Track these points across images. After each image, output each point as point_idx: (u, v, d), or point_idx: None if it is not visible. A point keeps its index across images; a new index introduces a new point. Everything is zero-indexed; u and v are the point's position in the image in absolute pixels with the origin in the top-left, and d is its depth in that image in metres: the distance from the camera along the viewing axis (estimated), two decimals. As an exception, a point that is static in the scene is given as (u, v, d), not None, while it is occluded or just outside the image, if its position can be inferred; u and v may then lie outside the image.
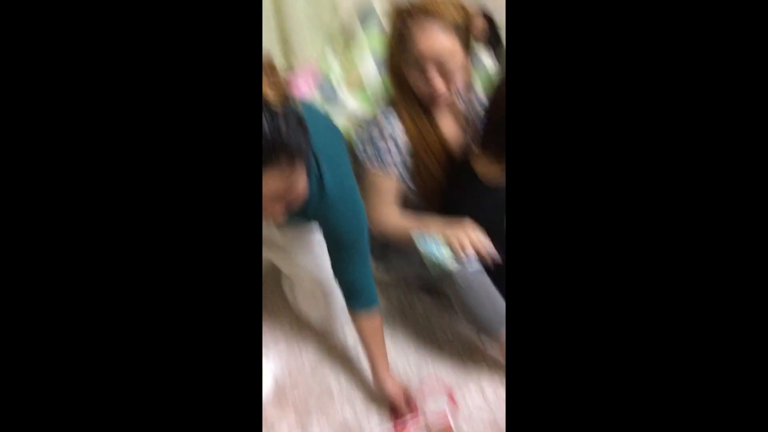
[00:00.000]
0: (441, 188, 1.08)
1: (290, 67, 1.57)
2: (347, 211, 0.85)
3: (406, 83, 0.99)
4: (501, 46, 1.89)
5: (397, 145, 1.02)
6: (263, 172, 0.57)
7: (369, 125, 1.03)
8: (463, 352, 1.17)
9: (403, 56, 0.96)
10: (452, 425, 0.99)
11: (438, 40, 0.92)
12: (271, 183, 0.59)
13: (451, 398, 1.04)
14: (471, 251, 0.91)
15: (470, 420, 1.04)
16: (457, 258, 0.91)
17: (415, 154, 1.04)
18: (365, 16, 1.55)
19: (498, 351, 1.05)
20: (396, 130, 1.02)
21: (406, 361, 1.17)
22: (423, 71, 0.95)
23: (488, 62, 1.66)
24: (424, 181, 1.07)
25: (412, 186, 1.08)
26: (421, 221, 1.02)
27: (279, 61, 1.54)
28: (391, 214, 1.05)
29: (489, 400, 1.07)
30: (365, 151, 1.02)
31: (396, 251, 1.14)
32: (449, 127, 1.09)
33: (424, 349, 1.20)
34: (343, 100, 1.43)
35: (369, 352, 1.01)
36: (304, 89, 1.55)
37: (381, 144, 1.01)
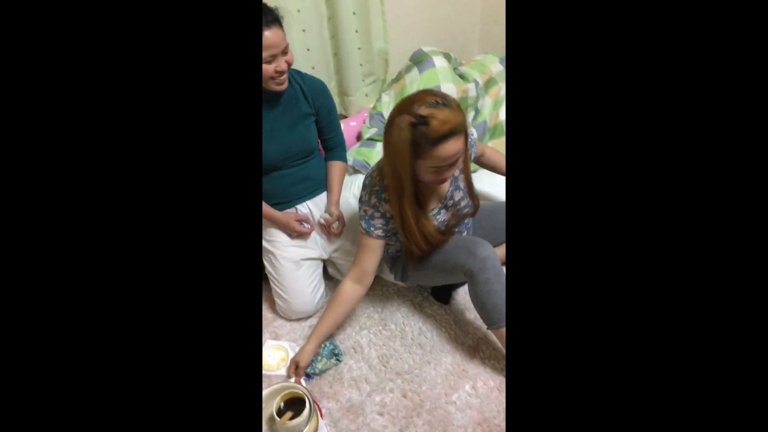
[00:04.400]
0: (421, 254, 1.27)
1: (347, 114, 1.96)
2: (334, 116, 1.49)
3: (399, 178, 1.10)
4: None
5: (386, 221, 1.23)
6: (267, 31, 1.16)
7: (364, 203, 1.24)
8: (461, 346, 1.35)
9: (416, 161, 1.06)
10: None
11: (456, 147, 1.04)
12: (275, 37, 1.17)
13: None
14: None
15: (461, 405, 1.20)
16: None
17: (399, 230, 1.23)
18: (419, 61, 1.89)
19: (498, 340, 1.26)
20: (387, 211, 1.20)
21: (409, 354, 1.36)
22: (439, 171, 1.08)
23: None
24: (406, 247, 1.27)
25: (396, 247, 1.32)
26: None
27: (339, 111, 1.96)
28: (369, 263, 1.27)
29: (478, 391, 1.24)
30: (361, 222, 1.25)
31: (412, 270, 1.37)
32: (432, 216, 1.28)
33: (429, 341, 1.38)
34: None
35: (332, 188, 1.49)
36: (355, 126, 1.90)
37: (372, 221, 1.22)
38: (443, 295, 1.49)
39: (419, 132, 1.01)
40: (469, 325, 1.42)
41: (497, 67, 1.94)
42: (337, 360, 1.34)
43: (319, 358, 1.30)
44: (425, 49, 1.90)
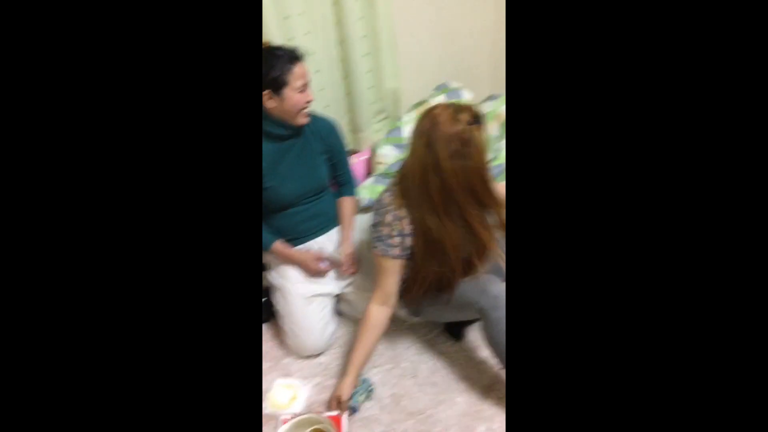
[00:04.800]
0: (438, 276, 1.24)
1: (357, 150, 2.01)
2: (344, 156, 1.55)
3: (425, 190, 1.10)
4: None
5: (403, 239, 1.19)
6: (297, 65, 1.27)
7: (378, 224, 1.21)
8: (475, 385, 1.31)
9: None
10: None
11: None
12: (303, 70, 1.27)
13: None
14: None
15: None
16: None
17: (419, 246, 1.19)
18: (445, 91, 1.96)
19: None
20: (405, 227, 1.18)
21: (422, 393, 1.32)
22: None
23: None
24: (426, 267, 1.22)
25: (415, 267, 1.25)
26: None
27: (349, 146, 2.01)
28: (391, 285, 1.24)
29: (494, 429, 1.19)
30: (377, 244, 1.21)
31: (428, 304, 1.34)
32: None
33: (443, 380, 1.34)
34: (405, 134, 1.88)
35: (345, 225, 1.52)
36: (365, 160, 1.94)
37: (389, 240, 1.19)
38: (456, 331, 1.46)
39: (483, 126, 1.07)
40: (483, 364, 1.38)
41: None
42: (370, 396, 1.30)
43: (360, 390, 1.26)
44: (451, 84, 1.97)
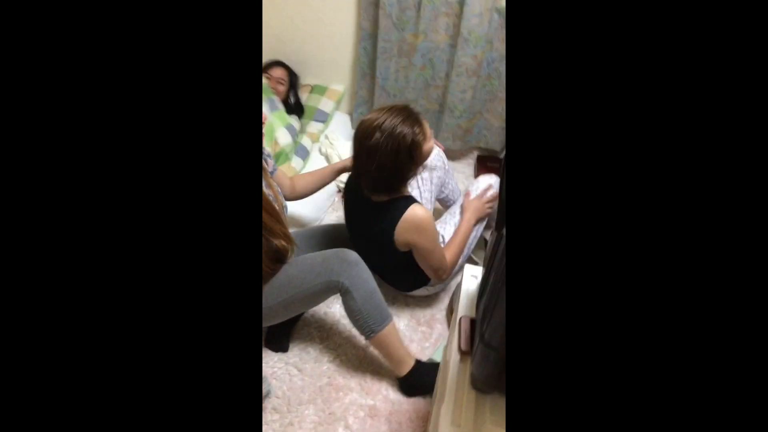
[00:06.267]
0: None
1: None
2: None
3: None
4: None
5: None
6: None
7: None
8: (317, 390, 1.24)
9: None
10: None
11: None
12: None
13: None
14: None
15: None
16: None
17: None
18: None
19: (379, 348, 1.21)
20: None
21: (267, 425, 1.17)
22: None
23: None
24: None
25: None
26: None
27: None
28: None
29: (352, 428, 1.16)
30: None
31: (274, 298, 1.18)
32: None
33: (284, 401, 1.22)
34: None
35: None
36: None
37: None
38: (282, 341, 1.34)
39: None
40: (315, 364, 1.32)
41: None
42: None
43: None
44: None
